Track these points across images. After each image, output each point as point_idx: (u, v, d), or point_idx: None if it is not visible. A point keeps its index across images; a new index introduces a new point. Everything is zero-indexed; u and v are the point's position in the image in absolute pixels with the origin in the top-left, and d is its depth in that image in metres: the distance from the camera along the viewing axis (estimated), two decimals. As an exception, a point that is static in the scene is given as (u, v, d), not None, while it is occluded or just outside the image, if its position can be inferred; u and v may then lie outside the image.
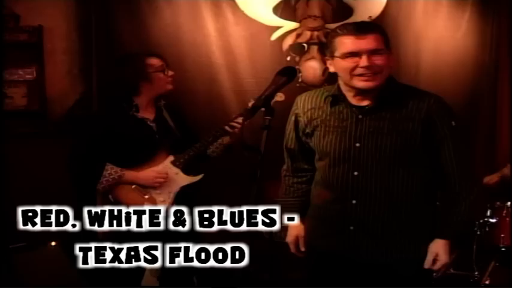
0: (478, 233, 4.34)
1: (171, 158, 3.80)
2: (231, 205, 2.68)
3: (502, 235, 4.33)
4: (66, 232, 3.81)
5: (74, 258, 3.70)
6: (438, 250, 2.67)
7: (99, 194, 3.73)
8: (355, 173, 2.68)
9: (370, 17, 5.05)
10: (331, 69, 2.75)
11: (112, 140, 3.69)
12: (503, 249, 4.34)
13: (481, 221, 4.36)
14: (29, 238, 3.96)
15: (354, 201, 2.70)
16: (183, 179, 3.81)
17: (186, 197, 3.79)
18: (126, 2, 4.88)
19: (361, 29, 2.63)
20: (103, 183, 3.65)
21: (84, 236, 3.77)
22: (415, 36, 5.14)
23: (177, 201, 3.76)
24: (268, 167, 2.53)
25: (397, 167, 2.65)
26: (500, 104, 5.31)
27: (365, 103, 2.70)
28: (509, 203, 4.34)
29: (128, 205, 3.69)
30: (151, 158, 3.76)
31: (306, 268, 3.00)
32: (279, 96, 3.85)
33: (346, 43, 2.62)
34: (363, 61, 2.59)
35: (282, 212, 2.95)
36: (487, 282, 4.20)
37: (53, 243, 3.98)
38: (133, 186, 3.73)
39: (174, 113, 3.94)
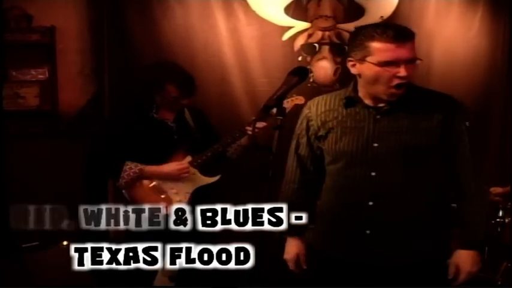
0: (490, 233, 4.32)
1: (188, 158, 3.82)
2: (244, 205, 2.66)
3: (514, 236, 4.31)
4: (78, 232, 3.85)
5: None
6: (459, 261, 2.63)
7: (110, 193, 3.75)
8: (373, 174, 2.63)
9: (381, 17, 5.04)
10: (355, 71, 2.67)
11: (131, 140, 3.72)
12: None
13: (493, 221, 4.33)
14: (41, 238, 3.99)
15: (370, 203, 2.65)
16: (200, 180, 3.83)
17: (202, 197, 3.80)
18: (138, 3, 4.88)
19: (401, 36, 2.54)
20: (125, 178, 3.68)
21: (96, 236, 3.80)
22: (427, 36, 5.11)
23: (193, 201, 3.77)
24: (280, 166, 2.52)
25: (415, 167, 2.62)
26: (513, 104, 5.29)
27: (381, 104, 2.66)
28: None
29: (143, 204, 3.71)
30: (169, 158, 3.78)
31: (317, 279, 2.91)
32: (299, 99, 3.87)
33: (385, 51, 2.53)
34: (402, 71, 2.54)
35: (284, 230, 2.93)
36: (499, 282, 4.18)
37: (65, 243, 4.00)
38: (151, 185, 3.75)
39: (196, 114, 3.98)
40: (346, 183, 2.71)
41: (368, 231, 2.66)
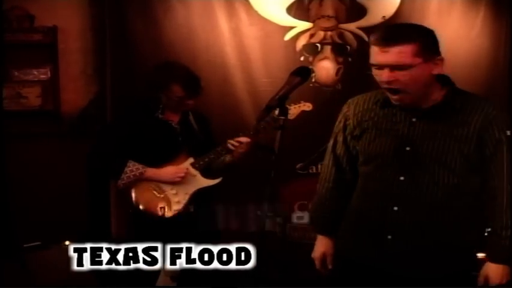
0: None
1: (191, 160, 3.83)
2: (246, 205, 2.67)
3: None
4: (79, 231, 3.86)
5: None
6: (488, 273, 2.57)
7: (112, 191, 3.76)
8: (401, 178, 2.58)
9: (383, 17, 5.03)
10: None
11: (135, 139, 3.74)
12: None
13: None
14: (42, 237, 3.99)
15: (395, 208, 2.59)
16: (200, 181, 3.84)
17: (202, 198, 3.82)
18: (139, 2, 4.88)
19: (387, 39, 2.45)
20: (124, 180, 3.69)
21: (97, 235, 3.81)
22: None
23: (192, 202, 3.80)
24: (282, 167, 2.52)
25: (446, 173, 2.54)
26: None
27: (420, 106, 2.59)
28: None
29: (142, 204, 3.72)
30: (172, 159, 3.80)
31: (337, 281, 2.86)
32: (307, 106, 3.86)
33: (372, 53, 2.51)
34: (384, 76, 2.48)
35: (316, 227, 2.94)
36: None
37: (67, 243, 4.00)
38: (151, 185, 3.76)
39: (200, 119, 3.99)
40: (374, 186, 2.67)
41: (390, 237, 2.61)
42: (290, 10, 5.01)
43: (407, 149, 2.57)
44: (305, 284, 4.14)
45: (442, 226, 2.57)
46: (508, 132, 2.52)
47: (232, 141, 3.81)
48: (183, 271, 3.86)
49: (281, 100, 2.54)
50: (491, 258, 2.58)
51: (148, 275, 3.78)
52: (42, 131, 4.87)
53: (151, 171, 3.75)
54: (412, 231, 2.57)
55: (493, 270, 2.57)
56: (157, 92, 3.78)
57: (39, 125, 4.90)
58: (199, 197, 3.83)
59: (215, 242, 3.89)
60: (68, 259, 3.74)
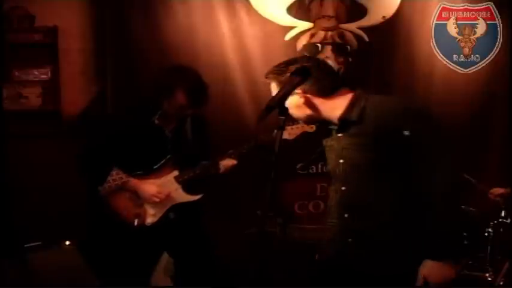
0: (492, 234, 4.32)
1: (175, 173, 3.78)
2: (245, 205, 2.67)
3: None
4: (80, 232, 3.85)
5: (88, 257, 3.75)
6: (425, 272, 2.57)
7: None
8: (343, 188, 2.74)
9: (384, 17, 5.05)
10: None
11: (124, 142, 3.69)
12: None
13: (496, 222, 4.34)
14: (42, 237, 3.99)
15: (346, 215, 2.74)
16: (180, 197, 3.80)
17: (185, 211, 3.81)
18: (140, 3, 4.89)
19: None
20: (105, 188, 3.65)
21: (98, 236, 3.81)
22: (429, 36, 5.12)
23: (174, 209, 3.79)
24: (282, 167, 2.52)
25: (378, 180, 2.64)
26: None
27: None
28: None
29: (118, 213, 3.70)
30: (157, 168, 3.75)
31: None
32: (310, 127, 3.83)
33: None
34: None
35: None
36: (501, 283, 4.17)
37: (67, 243, 4.00)
38: (130, 195, 3.72)
39: (197, 123, 3.89)
40: (332, 195, 2.84)
41: (350, 240, 2.73)
42: (291, 10, 5.02)
43: (341, 161, 2.74)
44: (305, 284, 4.14)
45: (384, 232, 2.65)
46: (407, 132, 2.56)
47: (221, 162, 3.82)
48: (183, 271, 3.88)
49: (281, 100, 2.55)
50: (428, 255, 2.57)
51: (144, 273, 3.80)
52: (42, 131, 4.86)
53: (133, 182, 3.71)
54: (366, 235, 2.68)
55: (429, 268, 2.57)
56: (160, 97, 3.68)
57: (39, 125, 4.89)
58: (181, 204, 3.80)
59: (205, 245, 3.90)
60: (69, 259, 3.75)
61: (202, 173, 3.81)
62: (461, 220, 2.69)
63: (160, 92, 3.67)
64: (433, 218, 2.55)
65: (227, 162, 3.82)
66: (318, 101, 2.72)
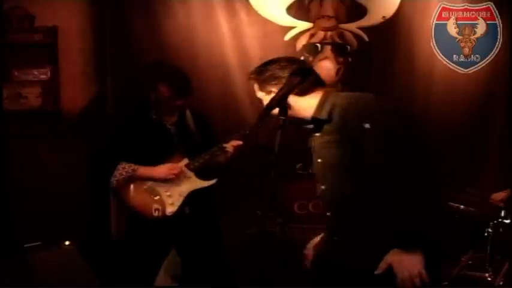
0: (492, 234, 4.31)
1: (185, 161, 3.81)
2: (246, 205, 2.67)
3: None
4: (80, 232, 3.86)
5: (88, 257, 3.75)
6: (389, 260, 2.48)
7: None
8: (323, 187, 2.77)
9: (383, 17, 5.05)
10: None
11: (129, 141, 3.73)
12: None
13: (495, 222, 4.33)
14: (42, 237, 3.99)
15: (328, 214, 2.78)
16: (195, 183, 3.83)
17: (199, 199, 3.82)
18: (140, 3, 4.89)
19: None
20: (116, 177, 3.69)
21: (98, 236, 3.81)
22: (429, 36, 5.12)
23: (189, 203, 3.80)
24: (282, 167, 2.52)
25: (348, 178, 2.64)
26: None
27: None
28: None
29: (136, 205, 3.72)
30: (166, 161, 3.78)
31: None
32: None
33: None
34: None
35: None
36: (501, 283, 4.17)
37: (67, 243, 4.00)
38: (145, 187, 3.75)
39: (198, 119, 3.97)
40: (319, 197, 2.85)
41: (335, 238, 2.77)
42: (290, 10, 5.02)
43: (319, 160, 2.77)
44: (305, 284, 4.14)
45: (363, 226, 2.62)
46: (367, 125, 2.52)
47: (227, 145, 3.81)
48: (183, 271, 3.89)
49: (281, 100, 2.55)
50: (395, 242, 2.49)
51: (148, 274, 3.80)
52: (42, 131, 4.86)
53: (143, 169, 3.75)
54: (348, 232, 2.69)
55: (393, 257, 2.47)
56: (147, 92, 3.78)
57: (39, 125, 4.89)
58: (195, 199, 3.82)
59: (216, 244, 3.94)
60: (69, 259, 3.75)
61: (212, 158, 3.84)
62: (436, 208, 2.44)
63: (146, 88, 3.77)
64: (399, 202, 2.44)
65: (233, 143, 3.82)
66: (292, 100, 2.66)
